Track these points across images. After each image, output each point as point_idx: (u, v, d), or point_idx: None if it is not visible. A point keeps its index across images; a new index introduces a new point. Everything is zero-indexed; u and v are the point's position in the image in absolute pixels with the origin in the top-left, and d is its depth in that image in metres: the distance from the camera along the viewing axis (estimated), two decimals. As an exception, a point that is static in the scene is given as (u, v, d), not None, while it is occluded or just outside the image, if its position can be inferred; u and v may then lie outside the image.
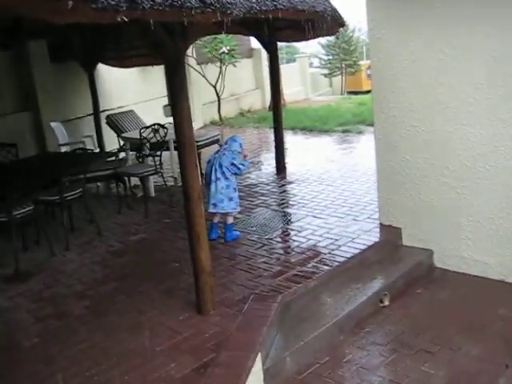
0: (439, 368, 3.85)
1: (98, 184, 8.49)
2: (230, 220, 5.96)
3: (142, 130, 7.65)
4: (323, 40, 24.07)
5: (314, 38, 7.89)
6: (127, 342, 4.12)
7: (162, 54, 3.97)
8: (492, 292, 4.87)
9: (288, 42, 9.28)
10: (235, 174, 5.89)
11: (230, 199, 5.83)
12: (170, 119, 4.40)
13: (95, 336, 4.24)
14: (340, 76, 22.88)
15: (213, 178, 5.82)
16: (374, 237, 5.69)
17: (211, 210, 5.75)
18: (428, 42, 4.96)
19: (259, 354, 3.83)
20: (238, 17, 3.56)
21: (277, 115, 8.58)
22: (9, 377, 3.83)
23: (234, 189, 5.87)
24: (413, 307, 4.77)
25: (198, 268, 4.36)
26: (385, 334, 4.40)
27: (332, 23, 5.70)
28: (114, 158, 8.01)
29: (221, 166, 5.80)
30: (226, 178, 5.81)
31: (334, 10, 5.69)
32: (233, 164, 5.82)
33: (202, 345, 3.97)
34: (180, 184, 4.64)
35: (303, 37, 7.81)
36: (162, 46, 3.92)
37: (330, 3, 5.46)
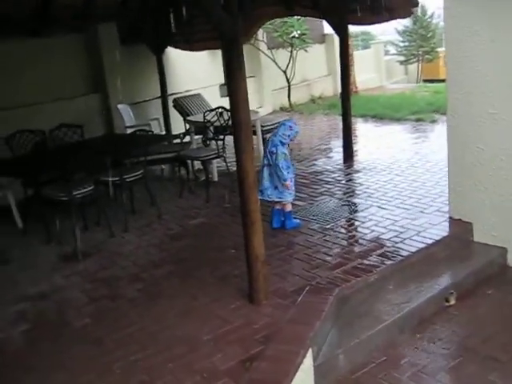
0: (509, 379, 3.52)
1: (163, 167, 8.51)
2: (288, 208, 5.70)
3: (205, 113, 7.55)
4: (400, 26, 23.31)
5: (387, 20, 7.54)
6: (176, 328, 4.03)
7: (220, 30, 3.79)
8: None
9: (360, 24, 8.91)
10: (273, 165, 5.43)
11: (275, 187, 5.52)
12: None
13: (145, 320, 4.18)
14: (416, 63, 22.02)
15: (262, 163, 5.60)
16: (442, 231, 5.32)
17: (258, 196, 5.42)
18: (510, 20, 4.54)
19: (310, 349, 3.63)
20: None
21: (345, 101, 8.26)
22: (56, 355, 3.83)
23: (285, 179, 5.47)
24: (481, 309, 4.42)
25: (252, 256, 4.19)
26: (449, 337, 4.09)
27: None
28: (178, 141, 7.98)
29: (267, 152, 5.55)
30: (270, 166, 5.54)
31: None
32: (271, 152, 5.48)
33: (251, 336, 3.82)
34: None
35: (375, 19, 7.49)
36: (220, 23, 3.76)
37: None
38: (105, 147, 6.80)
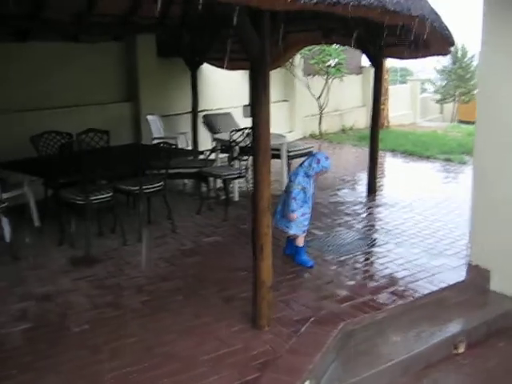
0: None
1: (186, 181, 8.53)
2: (298, 242, 5.42)
3: (231, 133, 7.56)
4: (439, 65, 23.25)
5: (424, 56, 7.47)
6: (174, 344, 3.97)
7: (248, 50, 3.79)
8: None
9: (397, 58, 8.86)
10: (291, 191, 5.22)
11: (284, 215, 5.30)
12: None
13: (144, 332, 4.13)
14: (452, 103, 21.86)
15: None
16: (458, 276, 5.19)
17: None
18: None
19: (307, 381, 3.54)
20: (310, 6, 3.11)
21: (374, 134, 8.18)
22: (51, 358, 3.80)
23: (292, 209, 5.22)
24: (491, 361, 4.26)
25: (258, 281, 4.12)
26: (453, 386, 3.95)
27: (436, 36, 5.24)
28: (203, 158, 8.00)
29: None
30: (285, 192, 5.41)
31: (439, 21, 5.21)
32: (290, 179, 5.36)
33: (249, 362, 3.73)
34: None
35: (411, 54, 7.43)
36: (249, 42, 3.75)
37: (433, 11, 4.94)
38: (128, 156, 6.83)
